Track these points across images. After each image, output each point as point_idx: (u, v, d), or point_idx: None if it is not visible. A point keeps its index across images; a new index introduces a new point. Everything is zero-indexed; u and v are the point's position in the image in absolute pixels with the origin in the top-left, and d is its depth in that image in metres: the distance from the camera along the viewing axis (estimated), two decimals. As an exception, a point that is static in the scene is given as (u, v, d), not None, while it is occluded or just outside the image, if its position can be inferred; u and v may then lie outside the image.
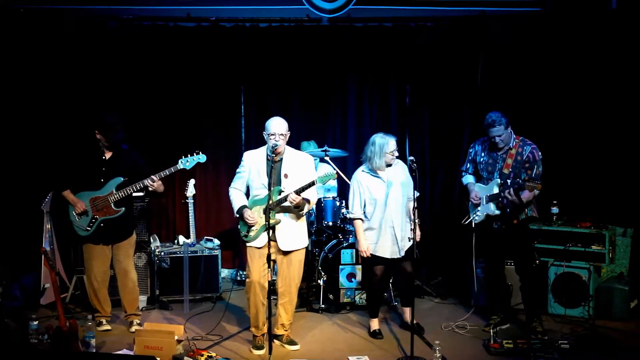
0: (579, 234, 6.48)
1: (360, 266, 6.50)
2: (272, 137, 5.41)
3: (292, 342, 5.65)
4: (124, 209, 5.87)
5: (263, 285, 5.45)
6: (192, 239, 6.79)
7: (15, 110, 7.19)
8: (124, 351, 5.44)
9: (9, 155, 7.16)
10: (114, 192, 5.81)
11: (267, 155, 5.50)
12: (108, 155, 5.91)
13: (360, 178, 5.83)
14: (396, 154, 5.80)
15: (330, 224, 6.79)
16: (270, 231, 5.30)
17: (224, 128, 7.65)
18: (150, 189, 5.79)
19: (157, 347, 5.24)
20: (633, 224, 6.64)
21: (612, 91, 7.08)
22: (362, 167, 5.89)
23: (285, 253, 5.51)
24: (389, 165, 5.79)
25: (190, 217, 6.76)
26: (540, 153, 5.75)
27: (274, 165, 5.43)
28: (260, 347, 5.55)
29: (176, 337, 5.35)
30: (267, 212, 5.24)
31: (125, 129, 6.03)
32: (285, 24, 7.44)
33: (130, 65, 7.38)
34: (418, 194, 5.61)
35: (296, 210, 5.47)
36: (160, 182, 5.81)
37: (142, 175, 5.78)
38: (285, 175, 5.44)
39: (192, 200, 6.74)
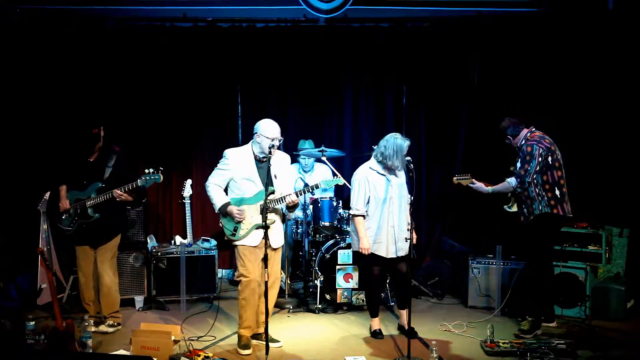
0: (576, 234, 6.50)
1: (357, 267, 6.51)
2: (273, 141, 5.41)
3: (274, 340, 5.65)
4: (97, 215, 5.82)
5: (261, 284, 5.47)
6: (189, 239, 6.79)
7: (12, 110, 7.18)
8: (121, 351, 5.43)
9: (6, 155, 7.14)
10: (92, 196, 5.80)
11: (255, 155, 5.52)
12: (93, 157, 5.88)
13: (367, 175, 5.73)
14: (408, 157, 5.61)
15: (327, 224, 6.77)
16: (263, 231, 5.32)
17: (220, 128, 7.64)
18: (117, 199, 5.72)
19: (154, 348, 5.24)
20: (630, 224, 6.66)
21: (609, 91, 7.10)
22: (368, 164, 5.78)
23: (274, 250, 5.59)
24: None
25: (187, 217, 6.76)
26: (534, 149, 5.74)
27: (262, 165, 5.48)
28: (248, 347, 5.53)
29: (173, 338, 5.35)
30: (264, 212, 5.20)
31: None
32: (282, 24, 7.45)
33: (127, 66, 7.37)
34: (412, 197, 5.58)
35: (288, 210, 5.57)
36: (126, 195, 5.73)
37: (120, 183, 5.73)
38: (275, 176, 5.50)
39: (189, 201, 6.74)
